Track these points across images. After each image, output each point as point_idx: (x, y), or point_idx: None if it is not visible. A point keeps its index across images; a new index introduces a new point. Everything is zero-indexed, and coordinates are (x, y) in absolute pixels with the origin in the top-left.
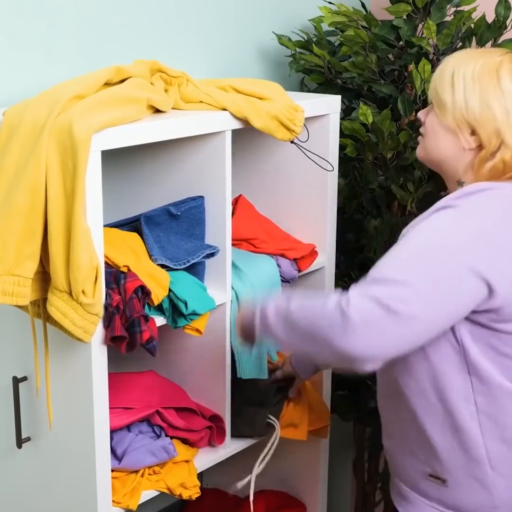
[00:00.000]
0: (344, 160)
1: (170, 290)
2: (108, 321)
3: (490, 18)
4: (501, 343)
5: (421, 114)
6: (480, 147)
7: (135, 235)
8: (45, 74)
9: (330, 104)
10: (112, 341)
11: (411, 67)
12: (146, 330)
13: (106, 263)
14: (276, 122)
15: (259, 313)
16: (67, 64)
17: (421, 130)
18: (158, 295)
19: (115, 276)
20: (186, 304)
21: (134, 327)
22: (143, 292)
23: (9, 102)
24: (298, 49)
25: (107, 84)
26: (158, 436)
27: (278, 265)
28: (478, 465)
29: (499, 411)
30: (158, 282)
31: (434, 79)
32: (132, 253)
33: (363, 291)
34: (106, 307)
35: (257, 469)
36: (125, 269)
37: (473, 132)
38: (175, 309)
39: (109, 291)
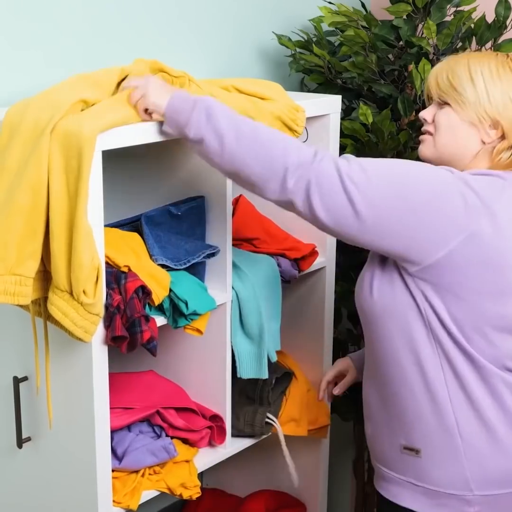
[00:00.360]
0: None
1: (170, 290)
2: (108, 321)
3: (490, 18)
4: (453, 306)
5: (426, 114)
6: (501, 138)
7: (135, 235)
8: (44, 74)
9: (330, 104)
10: (112, 341)
11: (411, 67)
12: (147, 330)
13: (106, 263)
14: (280, 123)
15: (201, 102)
16: (66, 64)
17: (427, 128)
18: (158, 295)
19: (116, 276)
20: (186, 304)
21: (134, 327)
22: (144, 292)
23: (9, 102)
24: (298, 49)
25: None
26: (159, 436)
27: (278, 265)
28: (449, 433)
29: (463, 378)
30: (158, 282)
31: (444, 74)
32: (133, 253)
33: (335, 159)
34: (106, 307)
35: (292, 469)
36: (125, 269)
37: (494, 126)
38: (175, 309)
39: (109, 291)
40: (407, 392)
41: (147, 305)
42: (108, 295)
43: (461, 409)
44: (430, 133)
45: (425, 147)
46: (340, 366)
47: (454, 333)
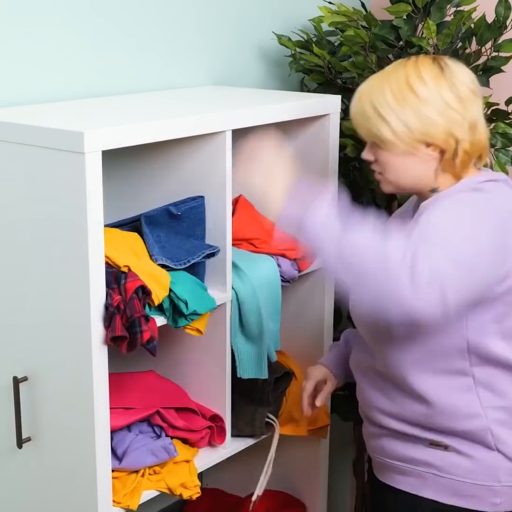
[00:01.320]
0: (344, 160)
1: (170, 290)
2: (108, 321)
3: (490, 18)
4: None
5: (368, 155)
6: (441, 152)
7: (135, 235)
8: (44, 76)
9: (330, 104)
10: (112, 341)
11: None
12: (147, 330)
13: (106, 263)
14: None
15: (308, 222)
16: (63, 70)
17: (375, 168)
18: (158, 295)
19: (116, 276)
20: (186, 304)
21: (134, 327)
22: (144, 292)
23: (9, 102)
24: (298, 49)
25: None
26: (159, 436)
27: (278, 265)
28: (480, 432)
29: (495, 379)
30: (158, 282)
31: (359, 119)
32: (133, 253)
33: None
34: (106, 307)
35: (265, 472)
36: (125, 269)
37: (428, 144)
38: (175, 309)
39: (109, 291)
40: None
41: (147, 305)
42: (108, 295)
43: (491, 411)
44: (380, 173)
45: (384, 185)
46: (318, 376)
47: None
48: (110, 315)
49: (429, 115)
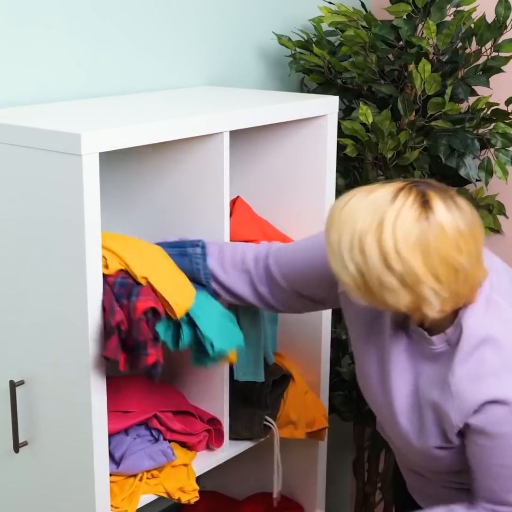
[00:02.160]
0: (344, 160)
1: (195, 325)
2: (105, 338)
3: (490, 18)
4: None
5: None
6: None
7: (158, 248)
8: (40, 82)
9: (328, 105)
10: (105, 359)
11: (411, 67)
12: (153, 354)
13: (123, 271)
14: None
15: None
16: (62, 70)
17: None
18: (180, 306)
19: (129, 289)
20: (212, 345)
21: (139, 349)
22: (154, 314)
23: (7, 102)
24: (298, 49)
25: None
26: (156, 440)
27: None
28: None
29: None
30: (184, 293)
31: (326, 246)
32: (153, 262)
33: None
34: (105, 324)
35: (277, 473)
36: (143, 281)
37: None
38: (200, 347)
39: (117, 306)
40: None
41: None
42: (111, 311)
43: None
44: None
45: None
46: None
47: None
48: (108, 332)
49: (392, 286)
